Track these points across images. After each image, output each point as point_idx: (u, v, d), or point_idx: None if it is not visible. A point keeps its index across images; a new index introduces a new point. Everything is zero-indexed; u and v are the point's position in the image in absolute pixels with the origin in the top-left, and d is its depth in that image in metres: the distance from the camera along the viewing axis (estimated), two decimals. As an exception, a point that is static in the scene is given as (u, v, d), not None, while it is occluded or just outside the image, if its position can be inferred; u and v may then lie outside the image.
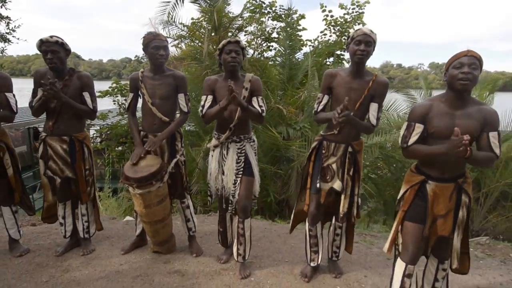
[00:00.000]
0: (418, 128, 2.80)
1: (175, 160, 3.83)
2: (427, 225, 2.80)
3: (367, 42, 3.15)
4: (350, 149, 3.40)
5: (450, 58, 2.71)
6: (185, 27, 9.09)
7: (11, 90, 3.75)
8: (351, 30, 10.22)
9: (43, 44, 3.53)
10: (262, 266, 3.86)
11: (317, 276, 3.68)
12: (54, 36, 3.55)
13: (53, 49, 3.53)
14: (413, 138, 2.83)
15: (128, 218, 5.31)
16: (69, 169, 3.81)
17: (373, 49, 3.27)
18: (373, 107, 3.29)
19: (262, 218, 6.13)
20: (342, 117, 2.94)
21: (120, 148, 11.20)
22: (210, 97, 3.60)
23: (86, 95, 3.76)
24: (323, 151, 3.48)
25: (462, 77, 2.56)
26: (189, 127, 8.98)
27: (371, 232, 5.37)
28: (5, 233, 4.08)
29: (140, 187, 3.44)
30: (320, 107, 3.46)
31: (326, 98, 3.45)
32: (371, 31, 3.19)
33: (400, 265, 2.94)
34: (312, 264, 3.74)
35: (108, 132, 11.55)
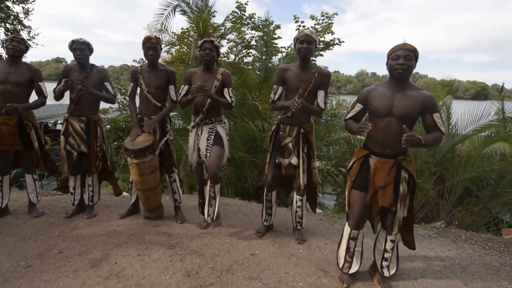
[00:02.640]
0: (357, 107, 3.06)
1: (165, 138, 4.20)
2: (369, 193, 2.97)
3: (309, 41, 3.50)
4: (302, 130, 3.72)
5: (389, 50, 2.87)
6: (175, 35, 9.24)
7: (42, 80, 4.29)
8: (322, 39, 10.52)
9: (74, 44, 4.05)
10: (236, 233, 4.15)
11: (282, 242, 3.94)
12: (82, 38, 4.06)
13: (81, 47, 4.05)
14: (351, 114, 3.09)
15: (124, 194, 5.53)
16: (84, 144, 4.22)
17: (315, 47, 3.61)
18: (321, 93, 3.63)
19: (240, 200, 6.30)
20: (301, 104, 3.30)
21: (116, 143, 11.35)
22: (186, 87, 4.00)
23: (107, 85, 4.28)
24: (280, 133, 3.81)
25: (398, 67, 2.76)
26: (179, 122, 9.11)
27: (339, 216, 5.47)
28: (25, 200, 4.49)
29: (136, 157, 3.84)
30: (276, 97, 3.78)
31: (280, 89, 3.77)
32: (311, 32, 3.55)
33: (347, 230, 3.17)
34: (265, 224, 4.15)
35: (109, 126, 11.76)
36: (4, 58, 3.82)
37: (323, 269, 3.39)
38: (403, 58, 2.76)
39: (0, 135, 4.12)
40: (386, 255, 3.09)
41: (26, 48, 4.25)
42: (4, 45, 4.13)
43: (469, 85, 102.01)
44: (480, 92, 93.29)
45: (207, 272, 3.24)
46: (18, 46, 4.09)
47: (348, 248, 3.16)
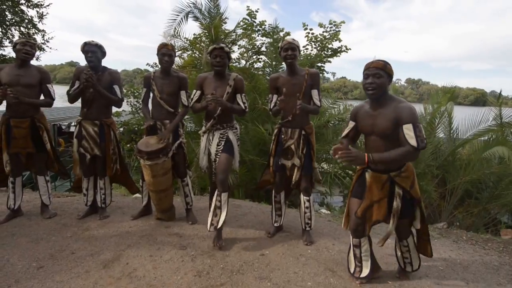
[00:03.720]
0: (351, 124, 3.05)
1: (178, 141, 4.15)
2: (362, 205, 2.91)
3: (292, 48, 3.54)
4: (303, 132, 3.72)
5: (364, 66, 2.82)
6: (188, 41, 9.27)
7: (50, 82, 4.21)
8: (330, 46, 10.49)
9: (86, 46, 3.97)
10: (246, 234, 4.10)
11: (291, 242, 3.89)
12: (94, 40, 4.00)
13: (93, 50, 3.98)
14: (345, 132, 3.09)
15: (136, 195, 5.54)
16: (97, 148, 4.17)
17: (299, 52, 3.66)
18: (314, 93, 3.68)
19: (250, 201, 6.18)
20: (300, 105, 3.37)
21: (129, 145, 11.36)
22: (198, 92, 3.93)
23: (116, 88, 4.18)
24: (283, 136, 3.80)
25: (368, 87, 2.72)
26: (191, 126, 9.10)
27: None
28: (38, 201, 4.43)
29: (150, 159, 3.78)
30: (272, 105, 3.81)
31: (275, 97, 3.79)
32: (293, 39, 3.57)
33: (351, 237, 3.15)
34: (275, 225, 4.11)
35: (122, 129, 11.76)
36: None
37: (331, 269, 3.36)
38: (372, 77, 2.72)
39: (12, 137, 4.07)
40: (404, 255, 3.15)
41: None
42: (16, 47, 4.01)
43: (468, 92, 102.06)
44: (479, 99, 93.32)
45: (218, 272, 3.19)
46: (31, 51, 4.05)
47: (354, 254, 3.15)
